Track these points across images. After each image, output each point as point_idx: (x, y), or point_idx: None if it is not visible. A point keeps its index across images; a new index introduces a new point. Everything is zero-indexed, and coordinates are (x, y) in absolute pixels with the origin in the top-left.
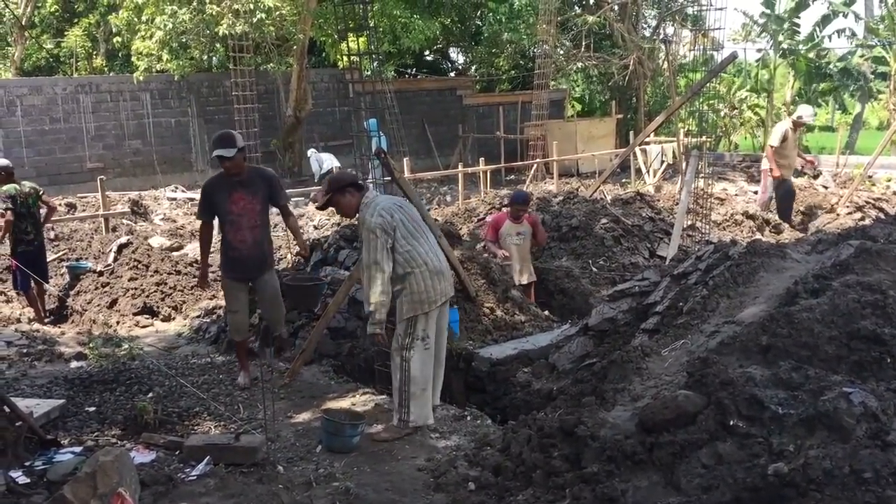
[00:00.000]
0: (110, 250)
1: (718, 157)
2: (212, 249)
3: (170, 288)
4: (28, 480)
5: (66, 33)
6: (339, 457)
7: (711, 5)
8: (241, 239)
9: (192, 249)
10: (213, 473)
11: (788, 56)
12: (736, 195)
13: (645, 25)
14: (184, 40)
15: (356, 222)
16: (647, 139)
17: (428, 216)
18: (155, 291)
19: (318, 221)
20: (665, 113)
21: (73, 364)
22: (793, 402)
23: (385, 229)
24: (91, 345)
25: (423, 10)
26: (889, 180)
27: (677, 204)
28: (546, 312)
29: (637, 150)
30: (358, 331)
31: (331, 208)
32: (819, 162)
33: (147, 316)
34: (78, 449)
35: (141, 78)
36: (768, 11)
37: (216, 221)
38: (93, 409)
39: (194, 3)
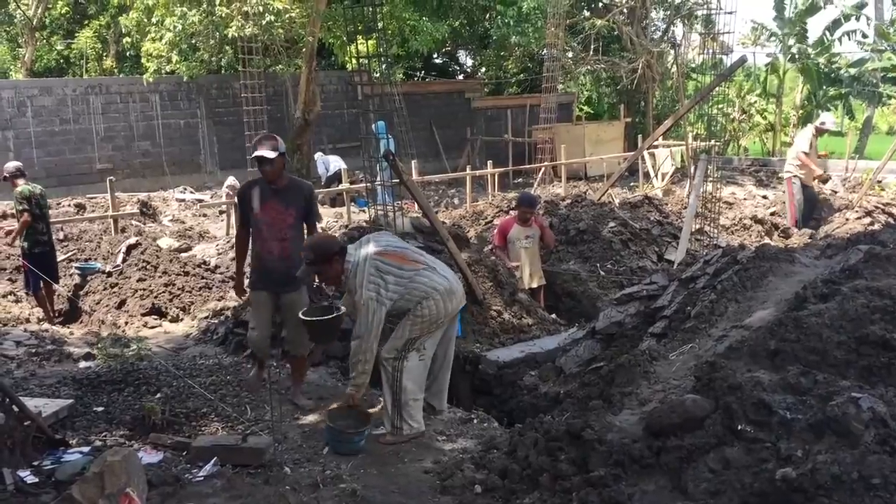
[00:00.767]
0: (119, 251)
1: (727, 161)
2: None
3: (178, 289)
4: (36, 480)
5: (76, 35)
6: (345, 459)
7: (721, 9)
8: (269, 250)
9: (201, 251)
10: (220, 474)
11: (798, 60)
12: (745, 199)
13: (654, 28)
14: (193, 42)
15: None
16: (655, 143)
17: (436, 219)
18: (163, 292)
19: (325, 224)
20: (674, 117)
21: (82, 364)
22: (801, 407)
23: (379, 300)
24: (99, 345)
25: (432, 12)
26: None
27: (685, 208)
28: (553, 316)
29: (645, 153)
30: None
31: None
32: (828, 167)
33: (155, 317)
34: (86, 449)
35: (151, 79)
36: (778, 15)
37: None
38: (101, 409)
39: (204, 5)
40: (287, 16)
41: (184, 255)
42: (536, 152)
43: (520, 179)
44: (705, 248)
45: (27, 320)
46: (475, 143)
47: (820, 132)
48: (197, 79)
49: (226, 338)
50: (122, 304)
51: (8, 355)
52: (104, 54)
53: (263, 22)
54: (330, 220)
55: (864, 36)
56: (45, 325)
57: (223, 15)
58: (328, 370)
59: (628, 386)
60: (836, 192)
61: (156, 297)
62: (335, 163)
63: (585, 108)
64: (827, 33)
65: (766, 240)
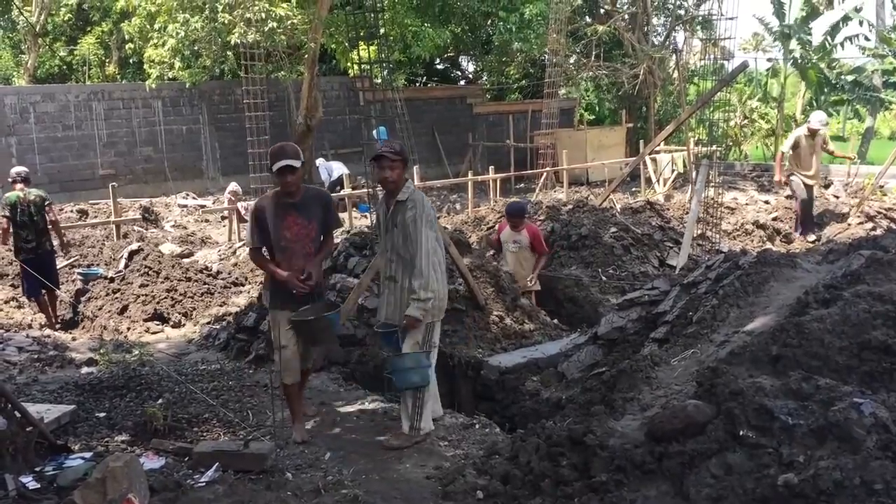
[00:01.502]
0: (121, 257)
1: (729, 166)
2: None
3: (180, 294)
4: (38, 485)
5: (79, 41)
6: (347, 464)
7: (722, 15)
8: (296, 268)
9: (203, 256)
10: (221, 480)
11: (799, 65)
12: (746, 204)
13: (655, 34)
14: (196, 48)
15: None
16: (657, 148)
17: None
18: (165, 298)
19: None
20: (675, 122)
21: (84, 370)
22: (803, 412)
23: (434, 224)
24: (102, 351)
25: (434, 18)
26: None
27: (687, 213)
28: (555, 321)
29: (647, 158)
30: (367, 338)
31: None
32: (830, 172)
33: (157, 322)
34: (88, 454)
35: (153, 85)
36: (779, 21)
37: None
38: (103, 414)
39: (206, 12)
40: (289, 22)
41: (186, 260)
42: (538, 158)
43: (521, 185)
44: (707, 253)
45: (29, 326)
46: (477, 148)
47: (812, 132)
48: (199, 85)
49: (228, 343)
50: (124, 309)
51: (10, 361)
52: (107, 60)
53: (266, 28)
54: None
55: (867, 39)
56: (48, 331)
57: (225, 21)
58: (330, 376)
59: (630, 391)
60: (838, 197)
61: (158, 303)
62: (337, 169)
63: (587, 113)
64: (828, 38)
65: (768, 245)
